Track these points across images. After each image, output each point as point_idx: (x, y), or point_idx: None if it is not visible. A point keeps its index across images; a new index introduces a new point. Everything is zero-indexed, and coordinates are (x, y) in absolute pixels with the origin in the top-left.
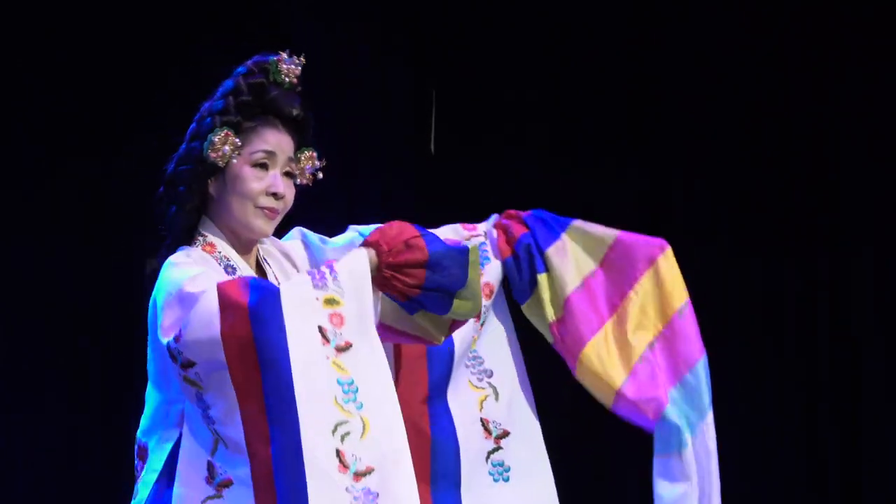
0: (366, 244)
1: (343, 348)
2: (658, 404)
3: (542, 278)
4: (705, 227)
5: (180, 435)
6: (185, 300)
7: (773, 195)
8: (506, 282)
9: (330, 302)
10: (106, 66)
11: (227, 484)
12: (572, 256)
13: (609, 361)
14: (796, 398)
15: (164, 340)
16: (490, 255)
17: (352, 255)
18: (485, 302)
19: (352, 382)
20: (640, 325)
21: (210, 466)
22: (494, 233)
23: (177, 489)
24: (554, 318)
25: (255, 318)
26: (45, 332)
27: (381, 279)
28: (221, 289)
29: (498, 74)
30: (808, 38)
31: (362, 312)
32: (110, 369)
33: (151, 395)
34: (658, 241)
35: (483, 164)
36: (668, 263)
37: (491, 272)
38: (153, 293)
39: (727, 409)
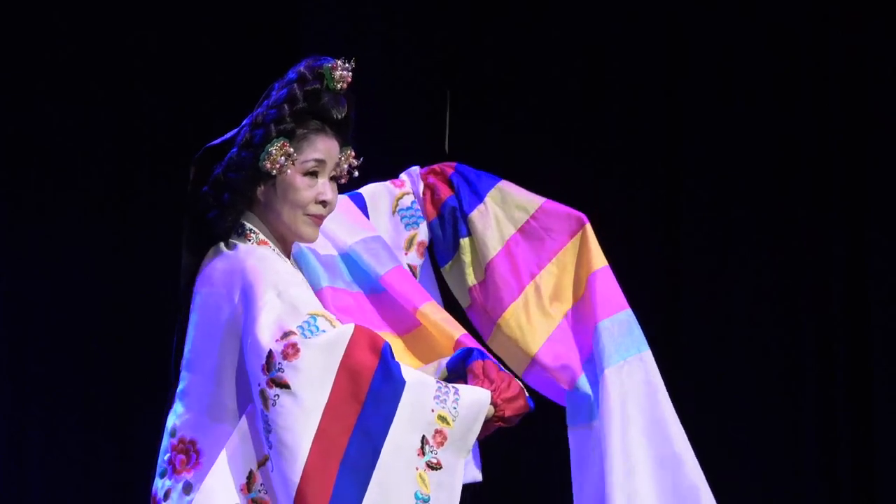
0: (482, 385)
1: (433, 466)
2: (573, 374)
3: (465, 242)
4: (720, 235)
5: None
6: (310, 326)
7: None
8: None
9: (442, 419)
10: (107, 69)
11: None
12: (494, 221)
13: (527, 327)
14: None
15: (264, 340)
16: (420, 214)
17: (478, 390)
18: (418, 260)
19: (427, 500)
20: (557, 294)
21: (251, 476)
22: (422, 190)
23: (209, 480)
24: (475, 281)
25: (374, 392)
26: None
27: (487, 423)
28: (356, 344)
29: (513, 75)
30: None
31: (464, 442)
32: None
33: (197, 386)
34: (577, 215)
35: (497, 164)
36: (587, 238)
37: (423, 231)
38: (240, 277)
39: (731, 408)
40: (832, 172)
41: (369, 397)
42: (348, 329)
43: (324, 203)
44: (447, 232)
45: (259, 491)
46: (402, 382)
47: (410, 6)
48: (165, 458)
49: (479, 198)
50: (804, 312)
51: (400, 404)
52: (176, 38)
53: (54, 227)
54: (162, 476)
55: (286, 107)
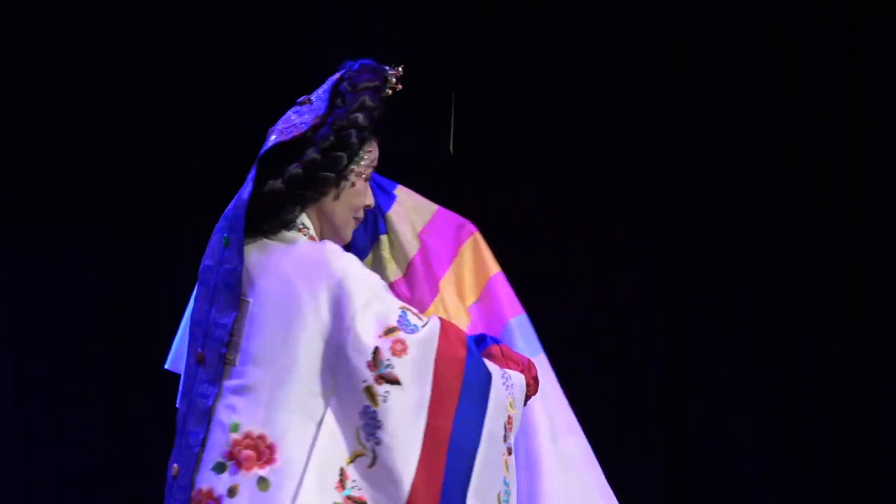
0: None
1: (510, 451)
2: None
3: (384, 238)
4: (720, 235)
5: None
6: (405, 320)
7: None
8: None
9: (511, 405)
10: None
11: (361, 502)
12: (408, 219)
13: None
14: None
15: (367, 337)
16: None
17: (515, 373)
18: None
19: (508, 485)
20: (461, 296)
21: (342, 473)
22: None
23: (308, 481)
24: (399, 275)
25: (468, 384)
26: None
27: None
28: (445, 336)
29: (513, 75)
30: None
31: (520, 422)
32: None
33: (267, 381)
34: (467, 224)
35: (497, 164)
36: (479, 246)
37: None
38: (327, 275)
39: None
40: (832, 172)
41: (464, 388)
42: (436, 322)
43: (368, 207)
44: (368, 229)
45: (352, 488)
46: (489, 373)
47: (410, 6)
48: (221, 452)
49: (392, 197)
50: (804, 312)
51: (490, 394)
52: (176, 38)
53: (54, 227)
54: (218, 471)
55: (373, 114)
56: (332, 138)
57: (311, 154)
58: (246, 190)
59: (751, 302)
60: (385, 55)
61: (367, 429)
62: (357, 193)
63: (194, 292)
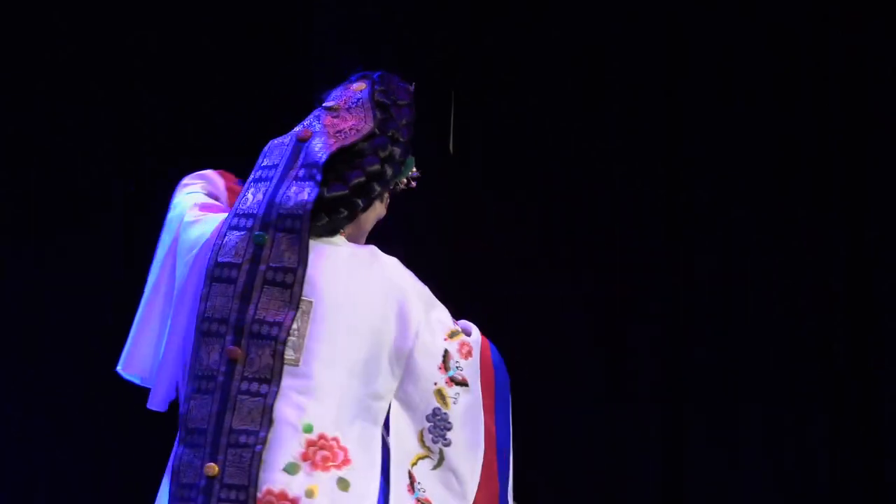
0: None
1: None
2: None
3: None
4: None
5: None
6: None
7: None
8: None
9: None
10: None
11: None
12: None
13: None
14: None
15: (437, 340)
16: None
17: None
18: None
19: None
20: None
21: (410, 476)
22: (224, 190)
23: (394, 486)
24: None
25: (499, 384)
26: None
27: None
28: (483, 339)
29: (513, 75)
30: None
31: None
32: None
33: (336, 381)
34: None
35: (497, 164)
36: None
37: None
38: (390, 280)
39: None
40: (832, 172)
41: (497, 387)
42: (468, 323)
43: (382, 219)
44: None
45: (419, 490)
46: (507, 371)
47: (410, 6)
48: (294, 453)
49: None
50: (804, 312)
51: (510, 392)
52: (176, 38)
53: (54, 228)
54: (291, 472)
55: (414, 127)
56: (390, 149)
57: (374, 164)
58: (307, 192)
59: (751, 302)
60: (385, 55)
61: (435, 430)
62: (384, 207)
63: (185, 291)
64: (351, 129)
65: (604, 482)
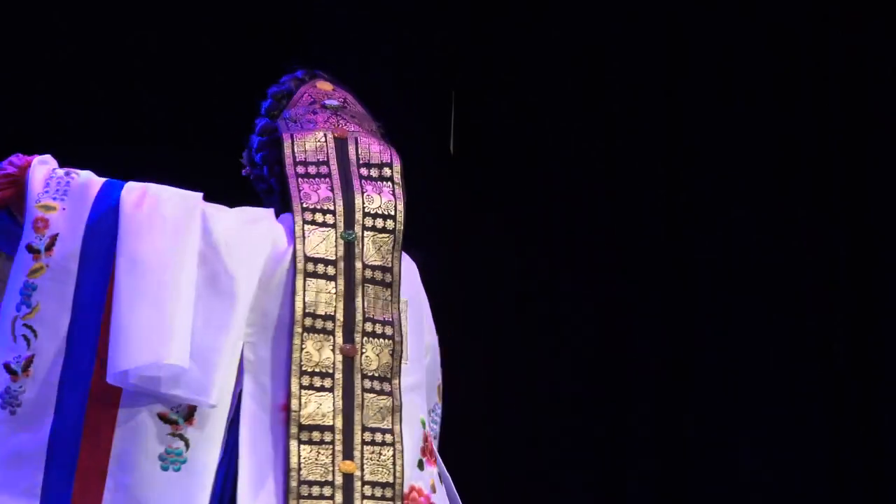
0: None
1: None
2: None
3: None
4: (720, 235)
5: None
6: None
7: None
8: None
9: None
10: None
11: None
12: None
13: None
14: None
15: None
16: None
17: None
18: None
19: None
20: None
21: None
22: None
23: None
24: None
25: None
26: None
27: None
28: None
29: (513, 75)
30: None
31: None
32: None
33: (424, 377)
34: None
35: (497, 164)
36: None
37: None
38: (419, 282)
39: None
40: (832, 172)
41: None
42: None
43: None
44: None
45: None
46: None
47: (410, 6)
48: (419, 448)
49: None
50: (804, 312)
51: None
52: (176, 38)
53: None
54: (420, 468)
55: None
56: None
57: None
58: (388, 192)
59: (750, 302)
60: (385, 55)
61: (437, 427)
62: None
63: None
64: (374, 130)
65: (604, 482)
